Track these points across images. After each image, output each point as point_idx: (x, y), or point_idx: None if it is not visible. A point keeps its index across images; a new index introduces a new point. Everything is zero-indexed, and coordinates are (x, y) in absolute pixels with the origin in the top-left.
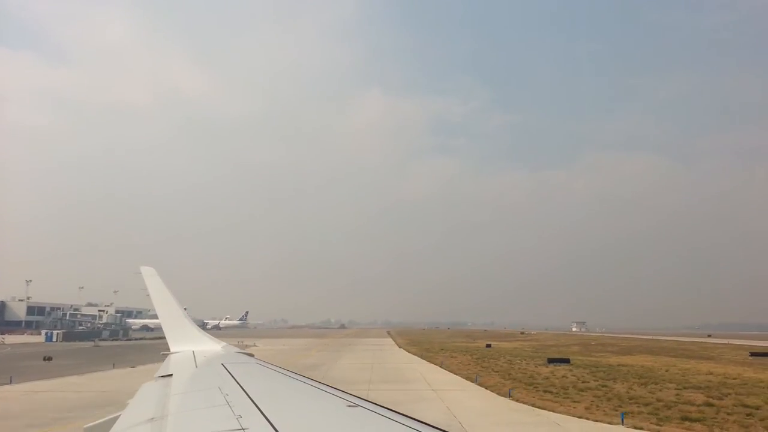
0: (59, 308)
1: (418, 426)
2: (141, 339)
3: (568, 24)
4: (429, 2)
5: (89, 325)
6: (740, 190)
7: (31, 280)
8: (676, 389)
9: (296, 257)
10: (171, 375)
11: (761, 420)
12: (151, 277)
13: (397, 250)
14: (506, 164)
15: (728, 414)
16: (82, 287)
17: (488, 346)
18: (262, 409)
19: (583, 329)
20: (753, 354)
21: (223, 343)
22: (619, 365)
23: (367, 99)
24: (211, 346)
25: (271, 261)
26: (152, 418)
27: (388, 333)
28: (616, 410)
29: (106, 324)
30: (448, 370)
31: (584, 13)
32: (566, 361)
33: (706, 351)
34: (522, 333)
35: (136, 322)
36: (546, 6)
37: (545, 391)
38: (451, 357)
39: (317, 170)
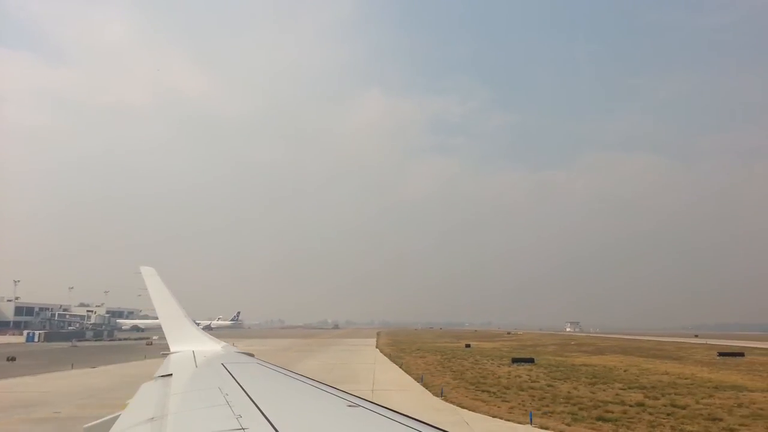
0: (48, 308)
1: (418, 426)
2: (125, 339)
3: (567, 24)
4: (428, 2)
5: (78, 325)
6: (739, 190)
7: (19, 281)
8: (620, 389)
9: (294, 257)
10: (171, 375)
11: (678, 419)
12: (151, 277)
13: (396, 250)
14: (505, 164)
15: (650, 414)
16: (72, 287)
17: (467, 346)
18: (262, 409)
19: (577, 329)
20: (721, 354)
21: (223, 343)
22: (582, 365)
23: (366, 99)
24: (211, 346)
25: (269, 261)
26: (152, 418)
27: (378, 333)
28: (541, 410)
29: (94, 324)
30: (405, 371)
31: (584, 14)
32: (530, 360)
33: (679, 351)
34: (508, 333)
35: (126, 323)
36: (545, 6)
37: (483, 391)
38: (420, 357)
39: (316, 170)
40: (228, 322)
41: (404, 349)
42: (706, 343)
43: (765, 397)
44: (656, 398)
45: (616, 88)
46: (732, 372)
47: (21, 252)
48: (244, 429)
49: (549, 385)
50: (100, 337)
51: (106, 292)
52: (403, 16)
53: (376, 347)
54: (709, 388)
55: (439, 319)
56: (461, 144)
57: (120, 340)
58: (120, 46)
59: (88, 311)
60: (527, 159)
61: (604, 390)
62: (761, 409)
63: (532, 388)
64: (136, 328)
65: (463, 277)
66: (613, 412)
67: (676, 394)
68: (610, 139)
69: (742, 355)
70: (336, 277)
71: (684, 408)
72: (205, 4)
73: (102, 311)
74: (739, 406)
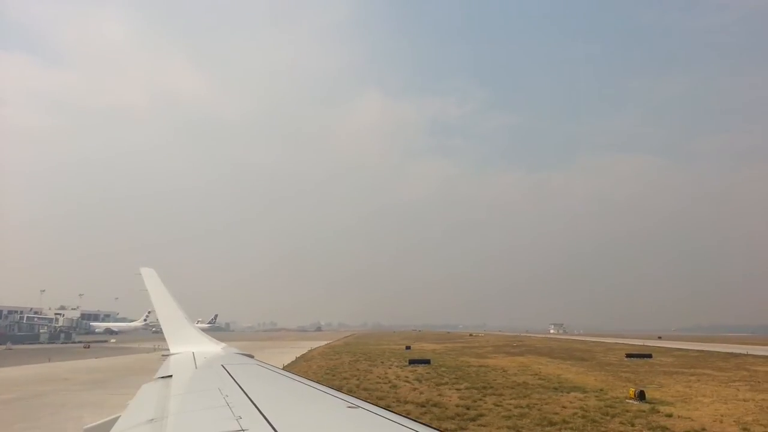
0: (18, 311)
1: (418, 427)
2: (79, 342)
3: (565, 26)
4: (426, 4)
5: (46, 328)
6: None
7: None
8: (464, 388)
9: (288, 260)
10: (171, 376)
11: (451, 417)
12: (150, 278)
13: (392, 252)
14: (503, 165)
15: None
16: (44, 290)
17: (408, 348)
18: (261, 410)
19: (561, 331)
20: (629, 356)
21: (223, 344)
22: (478, 366)
23: (364, 100)
24: (211, 347)
25: (263, 264)
26: (152, 419)
27: (349, 336)
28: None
29: (62, 327)
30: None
31: (581, 16)
32: (426, 362)
33: (593, 353)
34: (471, 335)
35: (99, 326)
36: (543, 8)
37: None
38: (332, 360)
39: (314, 171)
40: (206, 325)
41: (339, 352)
42: (644, 345)
43: (576, 398)
44: (476, 399)
45: (614, 89)
46: (605, 374)
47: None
48: (244, 430)
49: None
50: (55, 339)
51: (80, 295)
52: (401, 18)
53: (310, 349)
54: (548, 389)
55: (436, 321)
56: (459, 145)
57: (74, 342)
58: (117, 48)
59: (56, 314)
60: (525, 160)
61: (448, 389)
62: (547, 411)
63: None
64: (109, 331)
65: (460, 278)
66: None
67: (511, 394)
68: (607, 140)
69: (649, 356)
70: (330, 279)
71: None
72: (203, 6)
73: (76, 314)
74: (531, 407)
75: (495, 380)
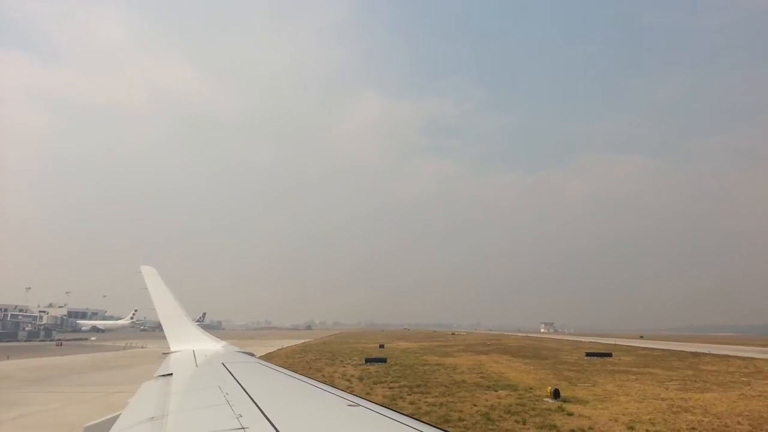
0: (3, 309)
1: (419, 425)
2: (58, 339)
3: (563, 26)
4: (424, 4)
5: (31, 325)
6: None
7: None
8: (401, 385)
9: (285, 259)
10: (171, 374)
11: None
12: (151, 276)
13: (389, 251)
14: (501, 165)
15: None
16: (29, 288)
17: (381, 347)
18: (262, 408)
19: (551, 330)
20: (588, 354)
21: (224, 343)
22: (435, 365)
23: (362, 100)
24: (212, 345)
25: (260, 262)
26: (152, 418)
27: (334, 333)
28: None
29: (46, 324)
30: None
31: (579, 16)
32: (383, 360)
33: (559, 351)
34: (453, 334)
35: (86, 323)
36: (541, 9)
37: None
38: (293, 358)
39: (311, 170)
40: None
41: (307, 349)
42: (615, 344)
43: (497, 396)
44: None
45: (612, 90)
46: (548, 372)
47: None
48: (244, 428)
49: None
50: (34, 337)
51: (67, 292)
52: (399, 18)
53: (281, 347)
54: (480, 387)
55: (431, 321)
56: (457, 145)
57: (52, 340)
58: (115, 46)
59: (41, 312)
60: (522, 160)
61: (382, 387)
62: (455, 409)
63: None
64: (95, 329)
65: (457, 278)
66: None
67: (439, 392)
68: (605, 140)
69: (609, 355)
70: (326, 278)
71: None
72: (201, 6)
73: (62, 312)
74: (443, 405)
75: (435, 379)
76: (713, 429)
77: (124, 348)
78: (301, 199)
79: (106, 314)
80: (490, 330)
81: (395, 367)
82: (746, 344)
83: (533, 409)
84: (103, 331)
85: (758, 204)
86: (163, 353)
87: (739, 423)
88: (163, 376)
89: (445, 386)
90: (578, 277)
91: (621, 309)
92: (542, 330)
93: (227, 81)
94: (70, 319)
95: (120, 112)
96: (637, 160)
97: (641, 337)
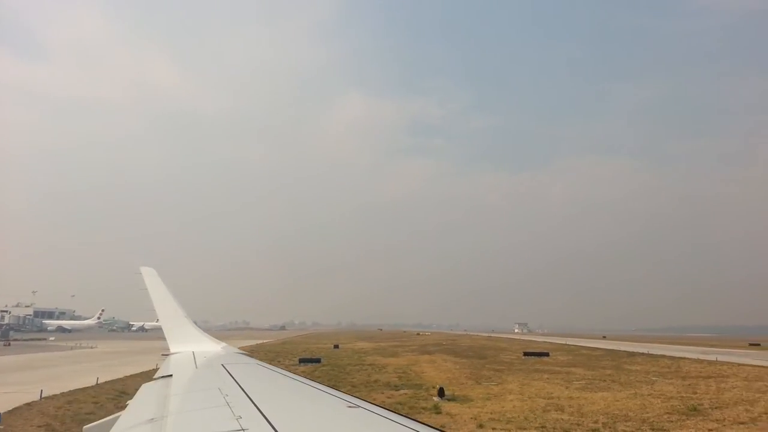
0: None
1: (418, 426)
2: (10, 340)
3: (547, 28)
4: (409, 4)
5: None
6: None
7: None
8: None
9: (266, 258)
10: (171, 375)
11: None
12: (150, 277)
13: (371, 252)
14: (485, 166)
15: None
16: None
17: (336, 347)
18: (262, 409)
19: (525, 330)
20: (526, 354)
21: (223, 344)
22: (370, 365)
23: (346, 99)
24: (211, 346)
25: (241, 262)
26: (152, 419)
27: (301, 334)
28: None
29: (8, 324)
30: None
31: (564, 19)
32: (317, 361)
33: (502, 351)
34: (418, 334)
35: (52, 323)
36: (526, 10)
37: None
38: None
39: (294, 169)
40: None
41: (256, 350)
42: (567, 344)
43: (394, 395)
44: None
45: (596, 92)
46: (468, 371)
47: None
48: (244, 430)
49: None
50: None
51: (34, 292)
52: (383, 18)
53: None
54: (388, 386)
55: (411, 321)
56: (441, 145)
57: (7, 339)
58: (97, 42)
59: (1, 311)
60: (507, 161)
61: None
62: None
63: None
64: (61, 329)
65: (439, 278)
66: None
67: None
68: (589, 142)
69: (546, 355)
70: (307, 278)
71: None
72: (185, 3)
73: (27, 311)
74: None
75: (351, 379)
76: (564, 428)
77: (72, 348)
78: (281, 198)
79: (75, 314)
80: (465, 330)
81: (325, 368)
82: (705, 345)
83: (412, 408)
84: (69, 331)
85: (743, 206)
86: (163, 354)
87: (595, 422)
88: (162, 377)
89: (354, 386)
90: (562, 279)
91: (605, 310)
92: (516, 330)
93: (208, 78)
94: (36, 319)
95: (96, 106)
96: (620, 162)
97: (604, 337)
